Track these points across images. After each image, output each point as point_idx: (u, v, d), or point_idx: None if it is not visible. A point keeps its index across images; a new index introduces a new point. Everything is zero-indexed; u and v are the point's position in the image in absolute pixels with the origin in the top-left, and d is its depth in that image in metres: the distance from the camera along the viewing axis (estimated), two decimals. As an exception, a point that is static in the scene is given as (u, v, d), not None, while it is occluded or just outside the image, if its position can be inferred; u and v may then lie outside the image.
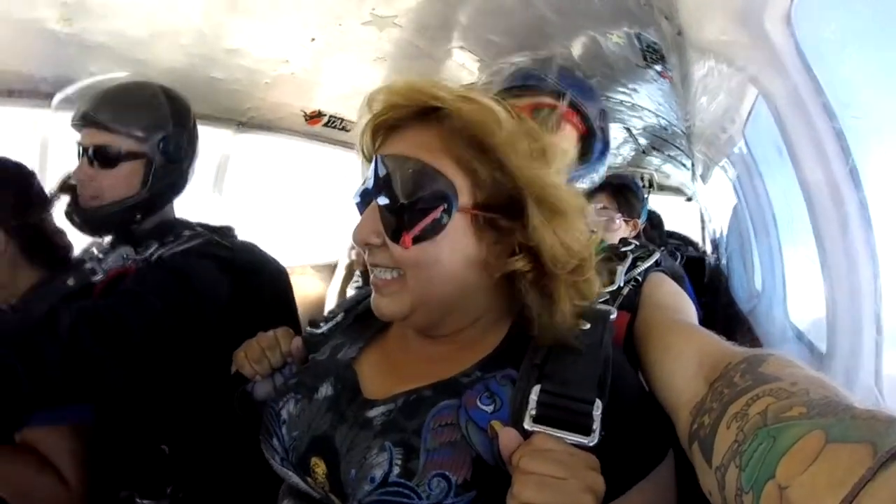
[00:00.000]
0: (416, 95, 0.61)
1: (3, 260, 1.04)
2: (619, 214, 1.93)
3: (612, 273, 0.82)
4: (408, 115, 0.63)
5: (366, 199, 0.63)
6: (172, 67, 1.84)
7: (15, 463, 0.93)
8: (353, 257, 2.82)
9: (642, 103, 2.50)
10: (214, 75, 1.99)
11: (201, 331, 1.00)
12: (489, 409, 0.58)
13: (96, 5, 1.51)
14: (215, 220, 1.28)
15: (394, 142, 0.63)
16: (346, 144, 2.79)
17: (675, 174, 4.17)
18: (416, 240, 0.59)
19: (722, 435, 0.47)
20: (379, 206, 0.61)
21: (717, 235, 3.70)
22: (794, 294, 1.63)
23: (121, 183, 1.09)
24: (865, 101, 0.86)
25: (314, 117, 2.53)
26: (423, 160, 0.59)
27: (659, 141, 3.23)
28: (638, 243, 0.94)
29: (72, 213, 1.10)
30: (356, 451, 0.59)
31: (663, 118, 2.67)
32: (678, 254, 2.82)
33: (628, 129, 3.03)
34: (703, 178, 2.90)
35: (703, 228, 4.65)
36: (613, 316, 0.65)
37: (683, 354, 0.62)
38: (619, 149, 3.56)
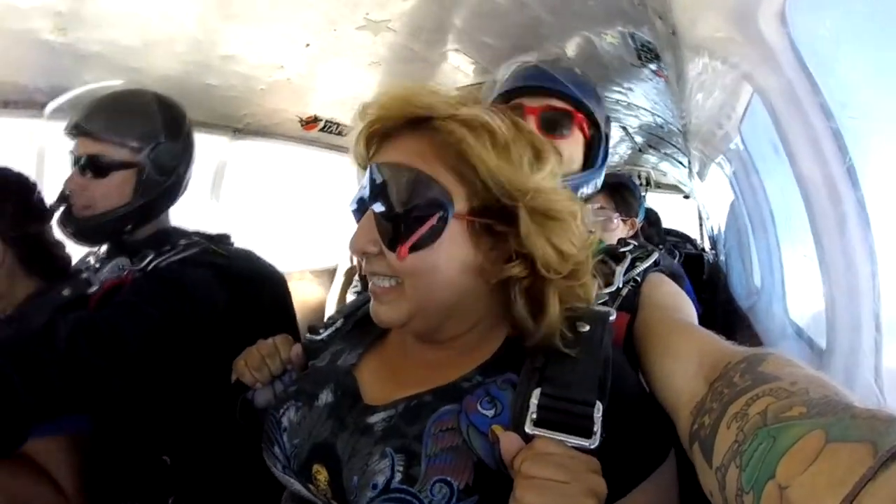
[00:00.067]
0: (406, 105, 0.61)
1: (1, 270, 1.04)
2: (617, 214, 1.92)
3: (611, 274, 0.82)
4: (400, 123, 0.63)
5: (362, 207, 0.63)
6: (167, 75, 1.84)
7: (12, 473, 0.93)
8: (354, 262, 2.82)
9: (638, 102, 2.50)
10: (210, 82, 1.99)
11: (199, 340, 1.00)
12: (490, 413, 0.58)
13: (90, 15, 1.51)
14: (213, 227, 1.27)
15: (388, 150, 0.64)
16: (343, 149, 2.79)
17: (672, 172, 4.18)
18: (413, 248, 0.59)
19: (722, 435, 0.47)
20: (375, 215, 0.61)
21: (715, 232, 3.71)
22: (794, 291, 1.63)
23: (112, 192, 1.08)
24: (862, 100, 0.86)
25: (310, 122, 2.53)
26: (417, 168, 0.60)
27: (655, 139, 3.24)
28: (636, 243, 0.94)
29: (64, 223, 1.10)
30: (358, 457, 0.59)
31: (659, 116, 2.68)
32: (676, 251, 2.82)
33: (624, 128, 3.03)
34: (700, 175, 2.91)
35: (700, 225, 4.66)
36: (613, 317, 0.65)
37: (683, 354, 0.62)
38: (616, 148, 3.56)
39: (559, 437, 0.53)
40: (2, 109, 1.60)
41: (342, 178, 3.17)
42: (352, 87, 2.25)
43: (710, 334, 0.65)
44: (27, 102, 1.64)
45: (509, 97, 0.94)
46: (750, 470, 0.41)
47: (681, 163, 3.52)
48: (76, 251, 1.21)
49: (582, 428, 0.53)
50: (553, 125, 0.92)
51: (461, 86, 2.20)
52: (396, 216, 0.60)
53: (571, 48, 1.92)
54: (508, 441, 0.53)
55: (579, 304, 0.64)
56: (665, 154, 3.57)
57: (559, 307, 0.61)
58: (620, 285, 0.82)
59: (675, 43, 1.44)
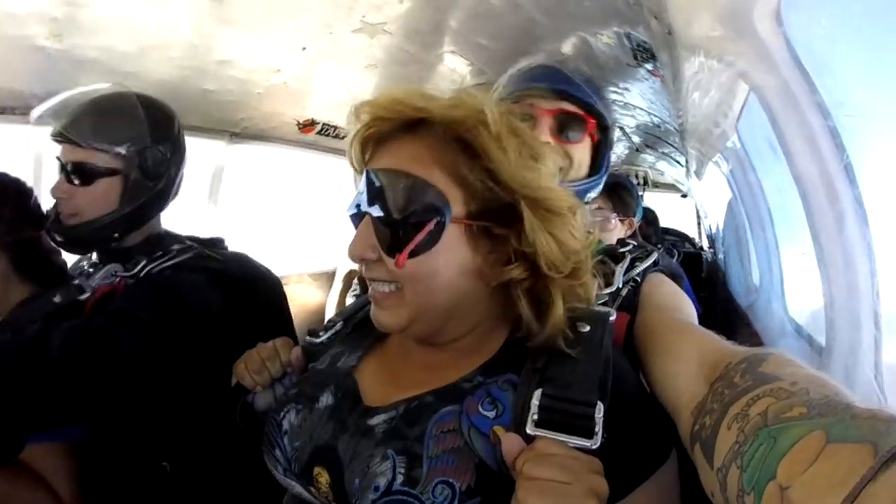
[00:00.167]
0: (400, 108, 0.61)
1: None
2: (615, 214, 1.93)
3: (611, 274, 0.82)
4: (395, 126, 0.63)
5: (359, 213, 0.63)
6: (164, 80, 1.84)
7: (8, 480, 0.92)
8: (354, 266, 2.81)
9: (634, 102, 2.50)
10: (206, 87, 1.99)
11: (195, 345, 1.00)
12: (491, 414, 0.58)
13: (86, 21, 1.51)
14: (211, 232, 1.27)
15: (383, 155, 0.63)
16: (340, 152, 2.79)
17: (670, 171, 4.18)
18: (412, 254, 0.59)
19: (723, 436, 0.47)
20: (373, 221, 0.61)
21: (713, 231, 3.71)
22: (792, 289, 1.64)
23: (99, 200, 1.07)
24: (858, 97, 0.86)
25: (307, 126, 2.53)
26: (413, 173, 0.59)
27: (652, 138, 3.24)
28: (635, 243, 0.94)
29: (52, 231, 1.08)
30: (359, 460, 0.59)
31: (656, 116, 2.68)
32: (675, 250, 2.82)
33: (621, 128, 3.03)
34: (698, 173, 2.91)
35: (698, 224, 4.67)
36: (613, 317, 0.65)
37: (683, 355, 0.62)
38: (613, 147, 3.56)
39: (560, 438, 0.53)
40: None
41: (340, 181, 3.17)
42: (349, 89, 2.25)
43: (710, 334, 0.65)
44: (24, 108, 1.64)
45: (518, 96, 0.93)
46: (751, 470, 0.41)
47: (678, 162, 3.53)
48: (71, 257, 1.20)
49: (583, 428, 0.53)
50: (566, 130, 0.91)
51: (457, 88, 2.21)
52: (394, 222, 0.59)
53: (567, 49, 1.92)
54: (510, 442, 0.53)
55: (579, 305, 0.64)
56: (662, 153, 3.57)
57: (563, 306, 0.61)
58: (620, 285, 0.82)
59: (670, 42, 1.44)
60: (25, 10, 1.40)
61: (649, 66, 1.95)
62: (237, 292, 1.11)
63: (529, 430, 0.54)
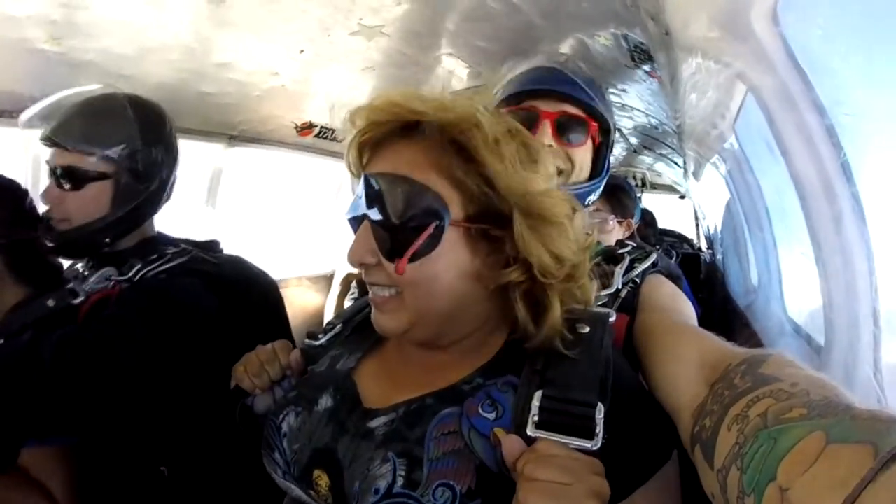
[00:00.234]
0: (396, 111, 0.61)
1: None
2: (613, 216, 1.93)
3: (610, 275, 0.82)
4: (391, 130, 0.63)
5: (358, 217, 0.63)
6: (162, 83, 1.84)
7: (3, 484, 0.92)
8: (351, 270, 2.81)
9: (632, 103, 2.51)
10: (204, 90, 1.99)
11: (191, 350, 0.99)
12: (491, 416, 0.58)
13: (84, 24, 1.51)
14: (209, 235, 1.27)
15: (380, 159, 0.63)
16: (338, 155, 2.79)
17: (667, 172, 4.18)
18: (412, 258, 0.59)
19: (723, 437, 0.47)
20: (372, 225, 0.61)
21: (712, 232, 3.71)
22: (791, 289, 1.64)
23: (89, 204, 1.05)
24: (855, 96, 0.86)
25: (305, 129, 2.53)
26: (410, 177, 0.59)
27: (650, 140, 3.24)
28: (634, 245, 0.94)
29: (45, 237, 1.06)
30: (359, 462, 0.59)
31: (653, 117, 2.69)
32: (673, 251, 2.82)
33: (619, 130, 3.04)
34: (696, 175, 2.91)
35: (697, 225, 4.67)
36: (612, 318, 0.65)
37: (683, 357, 0.62)
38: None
39: (561, 440, 0.53)
40: (-3, 119, 1.60)
41: (338, 184, 3.17)
42: (346, 92, 2.25)
43: (710, 336, 0.65)
44: (21, 111, 1.64)
45: (520, 98, 0.93)
46: (751, 472, 0.41)
47: (676, 163, 3.53)
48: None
49: (584, 429, 0.53)
50: (567, 132, 0.91)
51: (455, 90, 2.21)
52: (393, 226, 0.59)
53: (565, 50, 1.92)
54: (510, 444, 0.53)
55: (578, 306, 0.64)
56: (660, 155, 3.57)
57: (560, 309, 0.61)
58: (619, 287, 0.82)
59: (668, 43, 1.44)
60: (24, 12, 1.40)
61: (647, 68, 1.95)
62: (232, 295, 1.10)
63: (530, 431, 0.54)
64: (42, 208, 1.09)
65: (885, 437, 0.33)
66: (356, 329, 0.81)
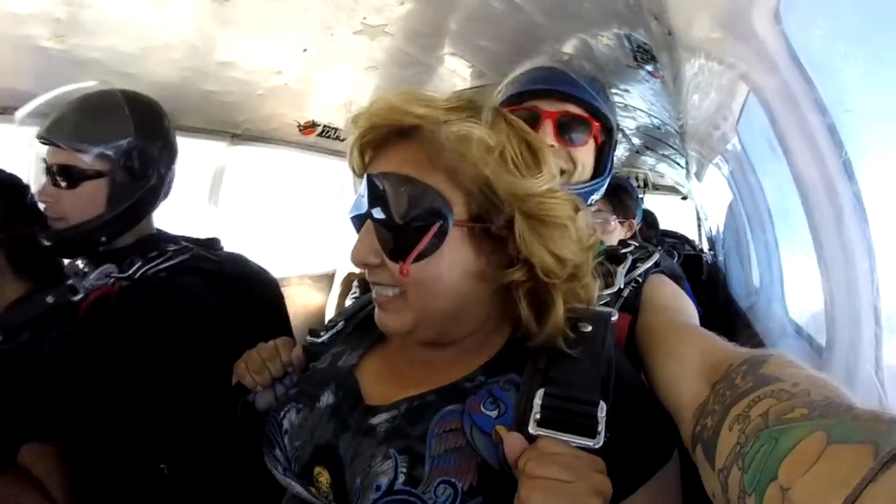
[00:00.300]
0: (395, 116, 0.60)
1: None
2: (615, 216, 1.92)
3: (612, 275, 0.82)
4: (392, 131, 0.62)
5: (361, 217, 0.63)
6: (165, 81, 1.84)
7: (0, 482, 0.92)
8: (353, 270, 2.82)
9: (635, 103, 2.51)
10: (208, 88, 2.00)
11: (191, 348, 0.98)
12: (493, 413, 0.58)
13: (88, 22, 1.51)
14: (211, 233, 1.27)
15: (382, 159, 0.63)
16: (341, 154, 2.80)
17: (670, 173, 4.18)
18: (415, 259, 0.58)
19: (724, 437, 0.47)
20: (375, 225, 0.61)
21: (714, 233, 3.71)
22: (793, 289, 1.64)
23: (84, 203, 1.05)
24: (857, 96, 0.86)
25: (308, 127, 2.53)
26: (413, 177, 0.59)
27: (652, 140, 3.24)
28: (637, 244, 0.94)
29: (40, 235, 1.05)
30: (360, 459, 0.59)
31: (656, 118, 2.69)
32: (675, 252, 2.82)
33: (622, 130, 3.04)
34: (698, 176, 2.91)
35: (699, 226, 4.67)
36: (615, 318, 0.65)
37: (685, 357, 0.62)
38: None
39: (563, 438, 0.53)
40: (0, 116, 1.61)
41: (340, 183, 3.18)
42: (349, 91, 2.26)
43: (711, 336, 0.65)
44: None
45: (522, 98, 0.93)
46: (752, 472, 0.41)
47: (678, 164, 3.53)
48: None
49: (586, 428, 0.53)
50: (569, 132, 0.91)
51: (458, 89, 2.21)
52: (397, 226, 0.59)
53: (568, 50, 1.92)
54: (512, 441, 0.53)
55: (580, 305, 0.64)
56: (662, 155, 3.57)
57: (563, 308, 0.61)
58: (622, 286, 0.82)
59: (671, 44, 1.44)
60: (28, 10, 1.41)
61: (649, 68, 1.95)
62: (233, 293, 1.09)
63: (532, 429, 0.54)
64: (42, 205, 1.09)
65: (886, 438, 0.33)
66: (358, 326, 0.81)
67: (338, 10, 1.71)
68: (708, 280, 3.14)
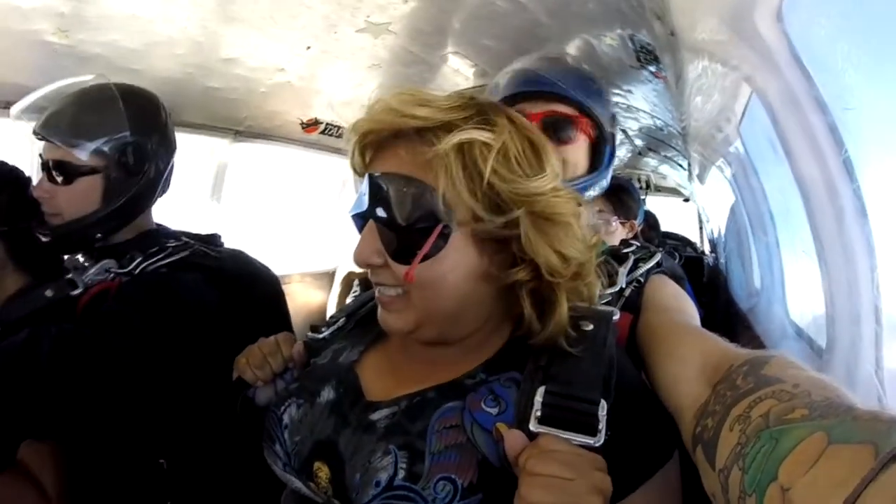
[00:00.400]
0: (396, 118, 0.59)
1: None
2: (616, 217, 1.93)
3: (614, 274, 0.82)
4: (393, 133, 0.61)
5: (362, 215, 0.63)
6: (169, 77, 1.85)
7: None
8: (354, 269, 2.82)
9: (637, 104, 2.50)
10: (211, 85, 2.00)
11: (192, 344, 0.98)
12: (494, 411, 0.58)
13: (92, 17, 1.51)
14: (213, 229, 1.27)
15: (384, 159, 0.62)
16: (343, 152, 2.79)
17: (672, 175, 4.18)
18: (419, 261, 0.58)
19: (725, 437, 0.47)
20: (377, 226, 0.61)
21: (715, 235, 3.70)
22: (793, 291, 1.63)
23: (79, 199, 1.04)
24: (858, 94, 0.86)
25: (311, 125, 2.53)
26: (416, 178, 0.58)
27: (655, 142, 3.24)
28: (639, 244, 0.94)
29: (37, 231, 1.05)
30: (360, 455, 0.59)
31: (658, 119, 2.68)
32: (676, 254, 2.82)
33: (624, 131, 3.03)
34: (700, 178, 2.90)
35: (700, 228, 4.66)
36: (616, 317, 0.65)
37: (686, 357, 0.62)
38: (616, 150, 3.55)
39: (564, 435, 0.53)
40: (3, 111, 1.61)
41: (343, 181, 3.18)
42: (352, 89, 2.26)
43: (712, 336, 0.65)
44: (28, 104, 1.65)
45: (511, 102, 0.92)
46: (752, 472, 0.41)
47: (681, 165, 3.52)
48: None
49: (587, 426, 0.53)
50: (556, 131, 0.90)
51: (461, 89, 2.21)
52: (399, 228, 0.59)
53: (571, 50, 1.92)
54: (513, 438, 0.53)
55: (582, 304, 0.64)
56: (665, 157, 3.57)
57: (566, 306, 0.61)
58: (623, 286, 0.82)
59: (674, 45, 1.44)
60: (32, 5, 1.41)
61: (652, 68, 1.95)
62: (234, 290, 1.09)
63: (532, 427, 0.54)
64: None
65: (887, 438, 0.33)
66: (359, 323, 0.81)
67: (341, 8, 1.71)
68: (709, 282, 3.14)
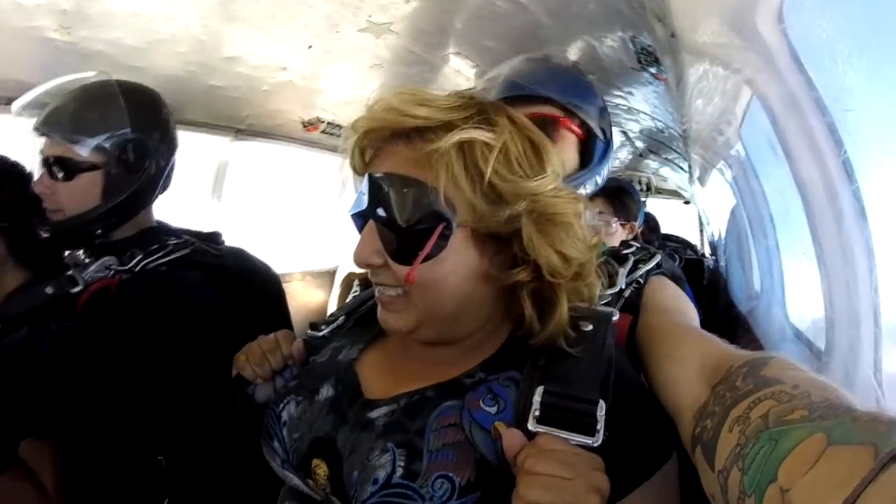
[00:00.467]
0: (396, 118, 0.59)
1: None
2: (616, 218, 1.93)
3: (614, 275, 0.83)
4: (393, 133, 0.61)
5: (361, 214, 0.62)
6: (171, 75, 1.85)
7: None
8: (354, 269, 2.81)
9: (638, 106, 2.51)
10: (213, 83, 2.00)
11: (192, 342, 0.98)
12: (492, 410, 0.58)
13: (95, 14, 1.52)
14: (214, 227, 1.27)
15: (384, 159, 0.62)
16: (344, 151, 2.80)
17: (673, 177, 4.18)
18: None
19: (724, 438, 0.47)
20: (377, 226, 0.60)
21: (716, 238, 3.71)
22: (793, 293, 1.64)
23: (79, 195, 1.04)
24: (858, 95, 0.86)
25: (312, 124, 2.53)
26: (416, 178, 0.58)
27: (656, 144, 3.24)
28: (639, 245, 0.94)
29: (38, 227, 1.05)
30: (358, 452, 0.59)
31: (659, 121, 2.69)
32: (677, 256, 2.82)
33: (625, 133, 3.04)
34: (701, 180, 2.91)
35: (701, 231, 4.67)
36: (616, 318, 0.65)
37: (686, 358, 0.62)
38: (617, 153, 3.56)
39: (562, 435, 0.53)
40: (5, 107, 1.61)
41: (343, 180, 3.18)
42: (354, 88, 2.26)
43: (712, 338, 0.65)
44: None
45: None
46: (752, 473, 0.41)
47: (681, 168, 3.53)
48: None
49: (585, 425, 0.53)
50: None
51: (462, 89, 2.21)
52: (400, 228, 0.59)
53: (572, 52, 1.92)
54: (511, 437, 0.53)
55: (582, 304, 0.64)
56: (666, 159, 3.57)
57: (567, 306, 0.61)
58: (623, 286, 0.82)
59: (675, 46, 1.44)
60: (34, 1, 1.41)
61: (653, 70, 1.95)
62: (234, 288, 1.09)
63: (531, 426, 0.54)
64: None
65: (886, 439, 0.33)
66: (359, 321, 0.81)
67: (343, 8, 1.72)
68: (709, 285, 3.14)
